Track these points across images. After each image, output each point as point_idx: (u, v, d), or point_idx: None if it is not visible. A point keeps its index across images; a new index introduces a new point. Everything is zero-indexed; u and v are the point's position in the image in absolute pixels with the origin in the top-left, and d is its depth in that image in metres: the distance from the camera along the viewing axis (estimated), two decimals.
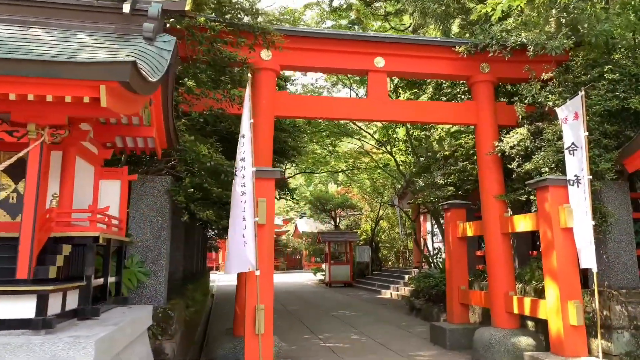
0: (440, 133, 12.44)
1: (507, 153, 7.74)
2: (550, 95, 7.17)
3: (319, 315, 13.52)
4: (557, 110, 6.95)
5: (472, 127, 9.10)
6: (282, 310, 14.98)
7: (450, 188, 11.31)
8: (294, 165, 22.99)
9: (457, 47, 8.12)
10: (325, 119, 10.17)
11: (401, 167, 16.10)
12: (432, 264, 15.99)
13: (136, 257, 6.31)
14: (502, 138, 7.97)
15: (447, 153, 10.54)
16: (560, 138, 7.03)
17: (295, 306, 16.15)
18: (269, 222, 5.89)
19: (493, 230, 8.11)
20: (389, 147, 15.93)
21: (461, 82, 10.18)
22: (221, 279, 36.35)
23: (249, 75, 6.05)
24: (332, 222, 30.87)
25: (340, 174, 29.12)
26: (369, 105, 8.20)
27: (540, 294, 7.69)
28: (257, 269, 5.49)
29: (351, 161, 24.47)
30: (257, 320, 5.48)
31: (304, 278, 34.07)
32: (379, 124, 18.01)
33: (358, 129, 20.47)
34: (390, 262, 29.57)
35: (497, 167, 8.25)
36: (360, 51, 8.14)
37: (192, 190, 6.58)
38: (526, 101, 7.55)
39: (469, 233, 9.00)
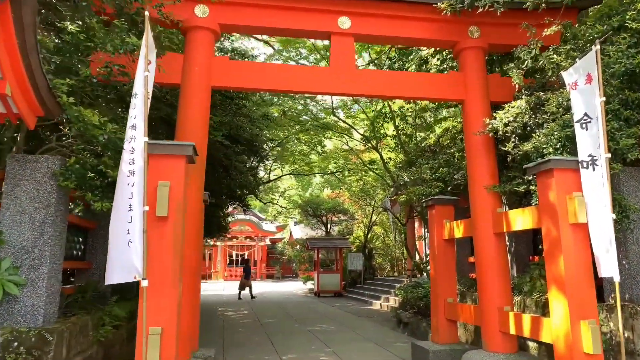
0: (430, 122, 10.94)
1: (500, 132, 6.19)
2: (554, 56, 5.61)
3: (294, 330, 11.91)
4: (564, 74, 5.39)
5: (458, 107, 7.57)
6: (254, 323, 13.38)
7: (438, 183, 9.78)
8: (276, 163, 21.48)
9: (439, 4, 6.59)
10: (276, 92, 8.63)
11: (389, 165, 14.55)
12: (422, 272, 14.40)
13: (7, 261, 4.76)
14: (494, 115, 6.43)
15: (432, 140, 8.97)
16: (567, 110, 5.49)
17: (271, 319, 14.54)
18: (173, 214, 4.34)
19: (483, 230, 6.55)
20: (374, 142, 14.39)
21: (449, 56, 8.66)
22: (208, 288, 34.75)
23: (147, 13, 4.52)
24: (324, 228, 29.25)
25: (332, 176, 27.65)
26: (331, 76, 6.67)
27: (543, 309, 6.12)
28: (143, 278, 3.94)
29: (341, 162, 22.99)
30: (144, 350, 3.91)
31: (295, 287, 32.39)
32: (366, 120, 16.50)
33: (347, 127, 18.98)
34: (385, 270, 27.99)
35: (488, 151, 6.71)
36: (320, 8, 6.62)
37: (92, 174, 5.05)
38: (524, 66, 6.00)
39: (457, 234, 7.43)
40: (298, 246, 38.92)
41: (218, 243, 45.94)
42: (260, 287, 35.48)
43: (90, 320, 5.85)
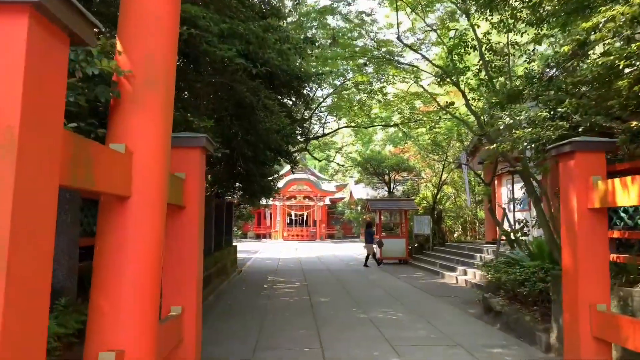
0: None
1: None
2: None
3: (351, 319, 9.33)
4: None
5: None
6: (304, 304, 10.96)
7: (561, 123, 6.59)
8: (331, 115, 18.64)
9: None
10: None
11: (473, 107, 11.30)
12: (515, 244, 11.24)
13: None
14: None
15: (567, 49, 5.66)
16: None
17: (324, 296, 12.10)
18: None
19: None
20: (454, 77, 11.12)
21: None
22: (267, 249, 33.33)
23: None
24: (386, 188, 26.33)
25: (395, 129, 24.53)
26: None
27: None
28: None
29: (407, 112, 19.78)
30: None
31: (356, 250, 30.00)
32: (443, 51, 13.12)
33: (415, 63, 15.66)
34: (455, 235, 24.95)
35: None
36: None
37: None
38: None
39: (623, 200, 4.34)
40: (359, 207, 36.35)
41: (277, 202, 44.65)
42: (320, 249, 33.56)
43: None
